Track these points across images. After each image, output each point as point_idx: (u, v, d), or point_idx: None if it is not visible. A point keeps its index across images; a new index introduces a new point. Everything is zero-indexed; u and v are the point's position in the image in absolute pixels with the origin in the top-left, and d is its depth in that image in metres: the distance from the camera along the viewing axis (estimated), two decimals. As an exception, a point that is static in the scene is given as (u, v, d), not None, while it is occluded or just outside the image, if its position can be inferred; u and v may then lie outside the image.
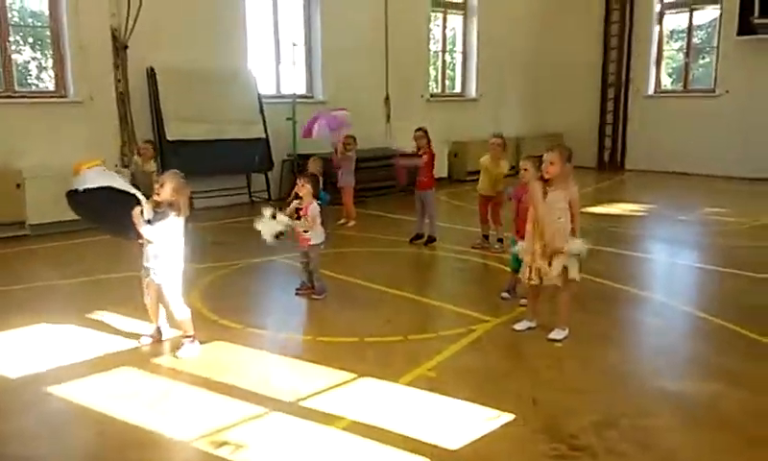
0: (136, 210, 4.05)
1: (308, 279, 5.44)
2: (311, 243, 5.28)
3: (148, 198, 4.12)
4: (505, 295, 5.31)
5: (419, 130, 7.23)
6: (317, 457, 3.07)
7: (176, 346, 4.27)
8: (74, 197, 4.13)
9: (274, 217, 5.05)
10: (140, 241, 4.18)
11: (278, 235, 5.08)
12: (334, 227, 7.89)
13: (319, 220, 5.28)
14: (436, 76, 13.31)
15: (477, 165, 7.20)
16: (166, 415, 3.44)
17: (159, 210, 4.11)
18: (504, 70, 13.67)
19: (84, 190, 4.04)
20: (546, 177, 4.35)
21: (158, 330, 4.42)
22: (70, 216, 7.50)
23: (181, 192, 4.12)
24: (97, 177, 4.12)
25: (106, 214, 4.23)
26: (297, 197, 5.32)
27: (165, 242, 4.12)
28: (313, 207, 5.23)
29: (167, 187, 4.08)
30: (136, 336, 4.46)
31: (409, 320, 4.95)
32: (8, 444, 3.18)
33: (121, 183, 4.18)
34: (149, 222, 4.07)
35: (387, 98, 11.62)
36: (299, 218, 5.24)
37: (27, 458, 3.04)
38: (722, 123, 12.48)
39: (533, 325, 4.62)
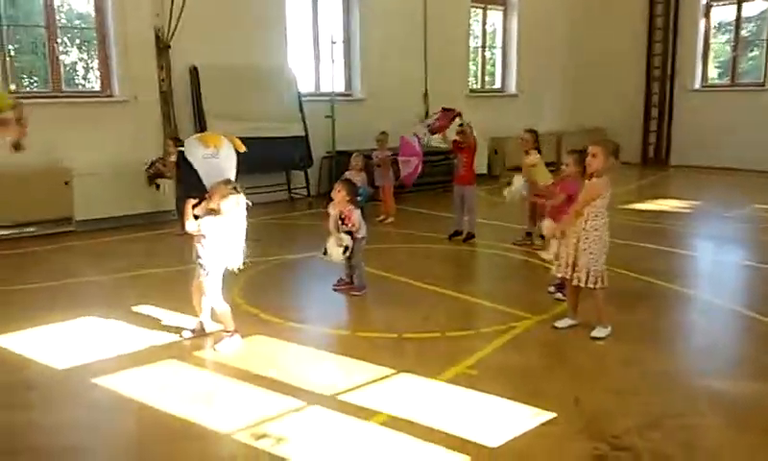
0: (189, 203, 4.16)
1: (348, 274, 5.46)
2: (357, 236, 5.29)
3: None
4: (551, 290, 5.23)
5: (461, 125, 7.17)
6: (355, 451, 3.08)
7: (217, 340, 4.33)
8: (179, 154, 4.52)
9: (339, 238, 5.18)
10: (184, 233, 4.28)
11: (345, 250, 5.19)
12: (373, 223, 7.90)
13: (363, 223, 5.31)
14: (476, 72, 13.21)
15: (517, 161, 7.11)
16: (208, 407, 3.49)
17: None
18: (545, 65, 13.48)
19: (184, 157, 4.40)
20: (589, 170, 4.27)
21: (201, 325, 4.49)
22: (115, 213, 7.89)
23: (228, 203, 4.18)
24: (200, 157, 4.34)
25: (184, 185, 4.43)
26: (330, 200, 5.35)
27: (208, 244, 4.20)
28: (357, 215, 5.25)
29: (215, 196, 4.16)
30: (178, 330, 4.53)
31: (447, 317, 4.92)
32: (53, 434, 3.26)
33: (207, 175, 4.30)
34: (196, 217, 4.17)
35: (426, 94, 11.57)
36: (344, 224, 5.27)
37: (71, 449, 3.11)
38: (770, 117, 12.07)
39: (575, 322, 4.54)
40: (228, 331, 4.31)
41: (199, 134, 4.44)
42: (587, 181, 4.30)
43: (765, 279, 5.97)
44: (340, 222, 5.28)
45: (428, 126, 7.90)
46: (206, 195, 4.23)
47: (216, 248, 4.22)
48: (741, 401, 3.55)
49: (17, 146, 3.06)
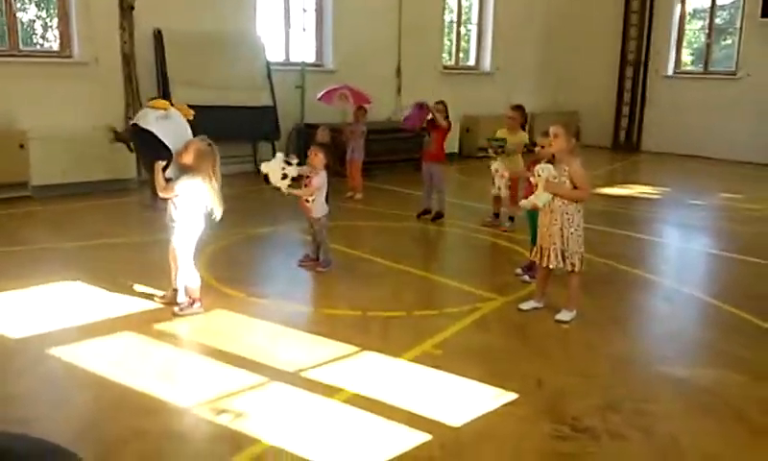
0: (159, 164, 4.10)
1: (314, 251, 5.37)
2: (313, 216, 5.21)
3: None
4: (519, 272, 5.22)
5: (438, 102, 7.07)
6: (317, 428, 3.03)
7: (179, 303, 4.28)
8: (132, 128, 4.49)
9: (287, 163, 5.02)
10: (155, 200, 4.24)
11: (283, 177, 5.02)
12: (341, 199, 7.81)
13: (323, 192, 5.20)
14: (450, 48, 13.09)
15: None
16: (167, 381, 3.41)
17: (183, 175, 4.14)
18: (520, 45, 13.41)
19: (134, 125, 4.37)
20: (550, 151, 4.29)
21: (174, 292, 4.39)
22: (74, 179, 7.64)
23: (204, 158, 4.11)
24: (152, 119, 4.27)
25: (145, 154, 4.49)
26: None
27: (182, 205, 4.14)
28: (319, 178, 5.14)
29: (190, 151, 4.12)
30: (138, 300, 4.42)
31: (414, 296, 4.89)
32: (7, 405, 3.15)
33: (164, 134, 4.22)
34: (168, 180, 4.11)
35: (399, 69, 11.43)
36: (305, 186, 5.16)
37: (24, 420, 3.00)
38: (742, 106, 12.20)
39: (539, 305, 4.54)
40: (190, 298, 4.28)
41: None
42: (573, 163, 4.22)
43: (728, 267, 6.07)
44: (304, 183, 5.17)
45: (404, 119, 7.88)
46: (174, 155, 4.16)
47: (192, 208, 4.16)
48: (700, 388, 3.59)
49: None
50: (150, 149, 4.26)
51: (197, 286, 4.32)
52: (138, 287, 4.67)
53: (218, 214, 4.19)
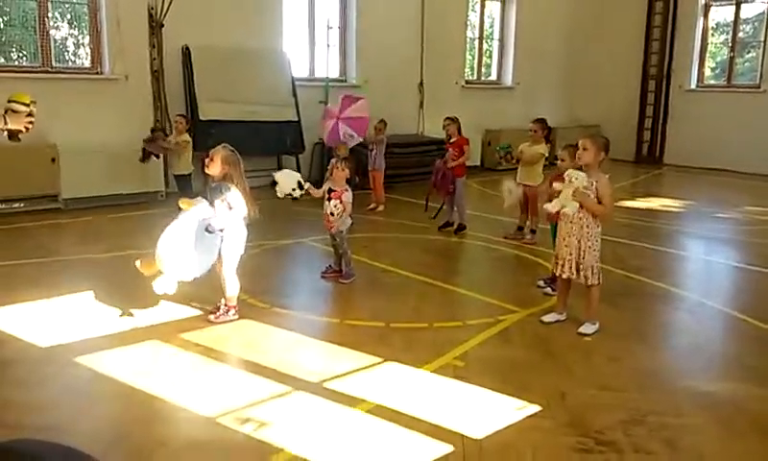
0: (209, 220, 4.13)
1: (337, 262, 5.42)
2: (335, 229, 5.26)
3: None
4: (541, 284, 5.22)
5: (447, 118, 7.17)
6: (340, 438, 3.06)
7: (214, 311, 4.39)
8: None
9: (300, 184, 5.08)
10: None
11: (289, 195, 5.09)
12: (363, 211, 7.86)
13: (350, 208, 5.27)
14: (472, 62, 13.14)
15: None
16: (191, 390, 3.46)
17: (214, 184, 4.19)
18: (541, 59, 13.42)
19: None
20: (579, 163, 4.27)
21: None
22: (103, 192, 7.80)
23: (232, 163, 4.20)
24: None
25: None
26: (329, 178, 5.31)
27: (228, 215, 4.19)
28: (348, 195, 5.21)
29: (216, 160, 4.18)
30: (164, 310, 4.50)
31: (436, 308, 4.90)
32: (30, 413, 3.21)
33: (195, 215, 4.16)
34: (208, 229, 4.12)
35: (421, 83, 11.51)
36: (329, 200, 5.22)
37: (49, 428, 3.05)
38: (766, 120, 12.08)
39: (562, 318, 4.53)
40: (227, 306, 4.37)
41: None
42: (602, 179, 4.21)
43: (754, 281, 5.99)
44: (327, 196, 5.23)
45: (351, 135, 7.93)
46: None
47: (237, 217, 4.23)
48: (725, 402, 3.55)
49: (13, 135, 3.07)
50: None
51: (236, 294, 4.42)
52: (165, 297, 4.74)
53: (255, 213, 4.29)
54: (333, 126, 8.15)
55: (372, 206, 8.24)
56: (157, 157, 7.59)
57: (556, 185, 4.37)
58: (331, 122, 8.19)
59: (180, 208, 4.18)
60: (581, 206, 4.20)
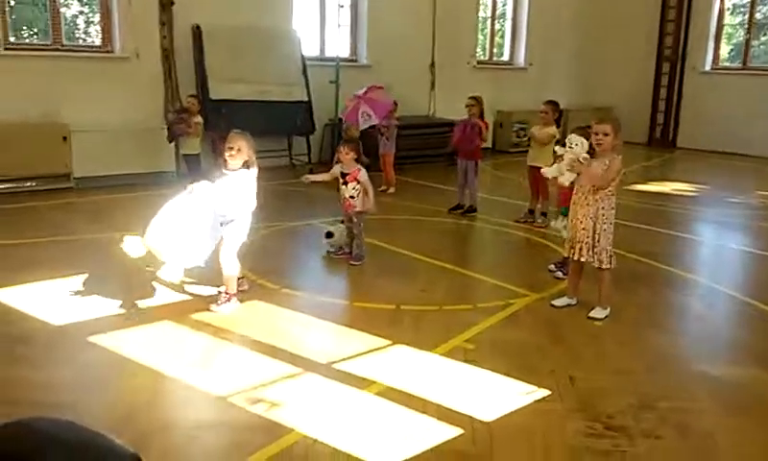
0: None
1: (348, 244, 5.43)
2: (357, 210, 5.26)
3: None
4: (552, 268, 5.20)
5: (472, 98, 7.06)
6: (350, 419, 3.08)
7: (215, 300, 4.32)
8: None
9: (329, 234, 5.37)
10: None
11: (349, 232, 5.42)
12: (374, 194, 7.83)
13: (371, 187, 5.25)
14: (484, 43, 13.01)
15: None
16: (203, 370, 3.49)
17: (233, 170, 4.16)
18: (554, 40, 13.27)
19: None
20: (600, 150, 4.17)
21: (241, 281, 4.51)
22: (114, 171, 7.82)
23: (252, 148, 4.21)
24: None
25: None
26: (338, 162, 5.31)
27: (243, 198, 4.19)
28: (363, 173, 5.20)
29: (243, 148, 4.13)
30: (176, 290, 4.51)
31: (446, 290, 4.90)
32: (44, 390, 3.24)
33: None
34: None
35: (432, 64, 11.41)
36: (345, 184, 5.22)
37: (60, 405, 3.09)
38: (782, 103, 11.91)
39: (572, 302, 4.52)
40: (227, 293, 4.30)
41: None
42: (615, 160, 4.14)
43: (765, 266, 5.94)
44: (342, 181, 5.23)
45: (368, 116, 7.88)
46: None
47: (250, 201, 4.24)
48: (736, 387, 3.55)
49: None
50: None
51: (235, 276, 4.35)
52: (175, 277, 4.77)
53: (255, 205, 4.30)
54: (355, 105, 8.13)
55: (382, 188, 8.21)
56: (181, 136, 7.57)
57: (557, 149, 4.40)
58: (354, 101, 8.18)
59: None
60: (578, 175, 4.21)
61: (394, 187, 8.24)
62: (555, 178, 4.48)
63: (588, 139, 4.25)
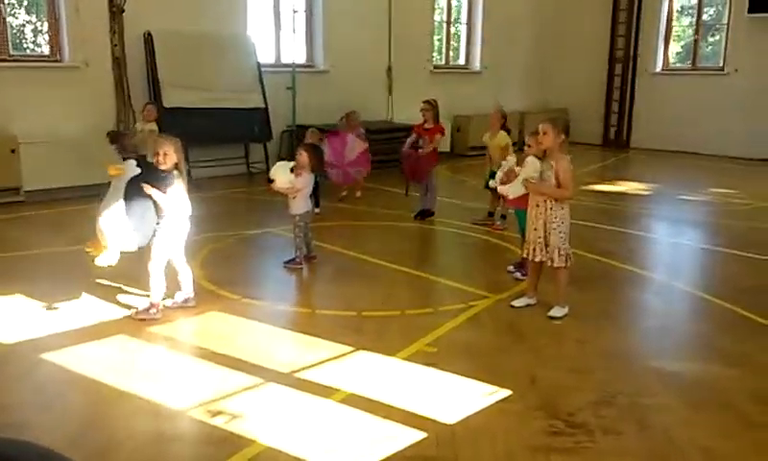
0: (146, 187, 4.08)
1: (304, 248, 5.39)
2: (291, 213, 5.27)
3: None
4: (510, 269, 5.25)
5: (426, 102, 7.02)
6: (313, 428, 3.04)
7: (140, 309, 4.28)
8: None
9: (292, 170, 5.21)
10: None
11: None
12: (337, 199, 7.81)
13: (306, 192, 5.24)
14: (440, 47, 13.11)
15: (480, 140, 7.10)
16: (161, 384, 3.41)
17: (163, 175, 4.14)
18: (510, 43, 13.44)
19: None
20: (541, 148, 4.31)
21: (184, 297, 4.44)
22: (66, 183, 7.59)
23: (180, 151, 4.21)
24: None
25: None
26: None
27: (173, 205, 4.16)
28: (303, 179, 5.18)
29: (170, 153, 4.13)
30: (129, 306, 4.41)
31: (407, 295, 4.90)
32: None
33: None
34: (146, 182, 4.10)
35: (389, 69, 11.44)
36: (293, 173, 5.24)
37: (16, 425, 2.99)
38: (730, 102, 12.27)
39: (532, 302, 4.57)
40: (151, 302, 4.25)
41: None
42: (562, 160, 4.24)
43: (719, 262, 6.11)
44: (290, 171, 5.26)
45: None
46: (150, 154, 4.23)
47: (180, 208, 4.20)
48: (693, 381, 3.63)
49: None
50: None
51: (161, 298, 4.28)
52: (131, 290, 4.66)
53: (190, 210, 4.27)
54: (344, 175, 7.75)
55: (344, 193, 8.11)
56: (129, 153, 7.33)
57: (516, 170, 4.58)
58: (338, 171, 7.69)
59: (110, 176, 4.21)
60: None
61: (359, 191, 8.20)
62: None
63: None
